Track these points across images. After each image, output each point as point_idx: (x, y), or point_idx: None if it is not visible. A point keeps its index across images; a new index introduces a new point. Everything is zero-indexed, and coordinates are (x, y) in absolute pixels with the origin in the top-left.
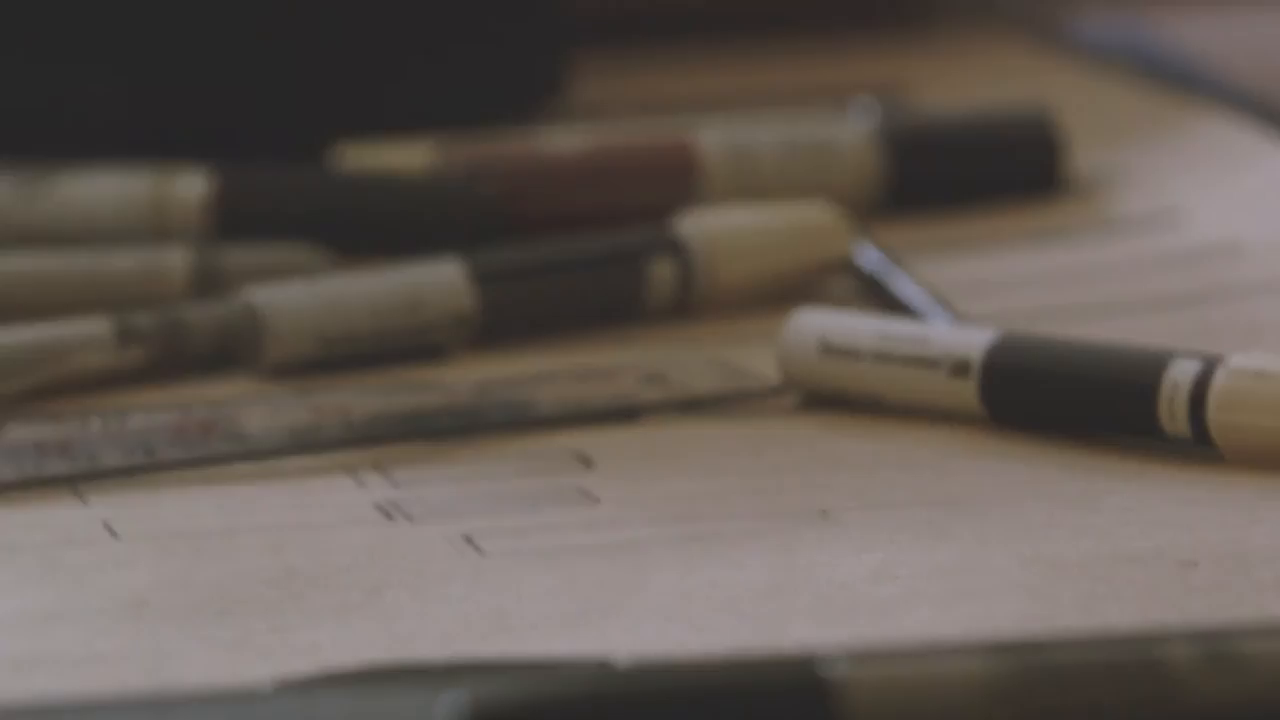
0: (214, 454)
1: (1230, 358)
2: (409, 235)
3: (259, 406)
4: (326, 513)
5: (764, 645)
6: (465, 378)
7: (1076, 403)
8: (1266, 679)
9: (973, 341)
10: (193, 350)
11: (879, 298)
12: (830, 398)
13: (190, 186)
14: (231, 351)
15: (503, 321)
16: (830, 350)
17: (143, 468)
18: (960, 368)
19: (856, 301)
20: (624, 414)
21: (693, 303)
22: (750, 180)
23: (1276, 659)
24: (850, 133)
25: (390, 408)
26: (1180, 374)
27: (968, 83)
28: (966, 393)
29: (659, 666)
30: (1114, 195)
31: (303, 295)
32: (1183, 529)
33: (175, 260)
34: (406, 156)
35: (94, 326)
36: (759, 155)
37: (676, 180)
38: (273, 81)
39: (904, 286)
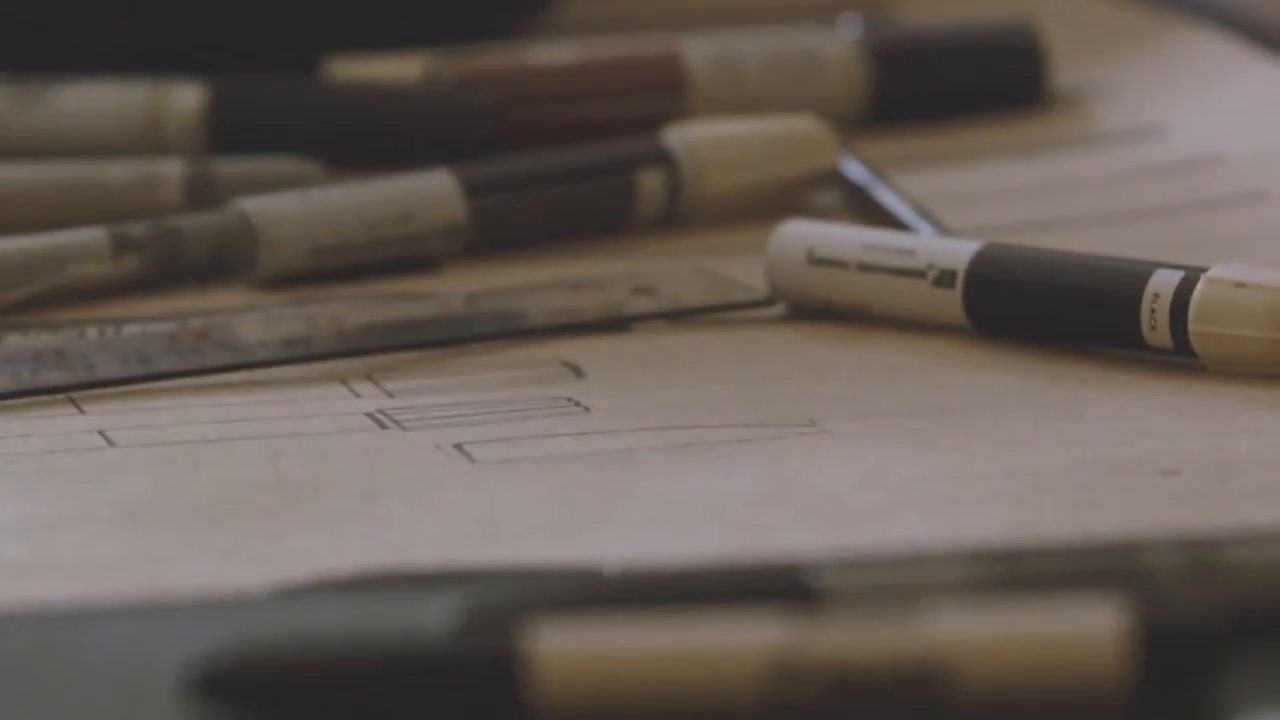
0: (209, 363)
1: (1211, 268)
2: (401, 147)
3: (253, 316)
4: (320, 421)
5: (751, 552)
6: (457, 288)
7: (1059, 313)
8: (1247, 586)
9: (957, 252)
10: (187, 261)
11: (865, 209)
12: (817, 308)
13: (185, 99)
14: (226, 262)
15: (493, 232)
16: (817, 261)
17: (138, 377)
18: (945, 278)
19: (842, 213)
20: (614, 324)
21: (681, 214)
22: (737, 92)
23: (1257, 567)
24: (836, 46)
25: (383, 318)
26: (1162, 285)
27: None
28: (951, 303)
29: (648, 573)
30: (1097, 108)
31: (296, 206)
32: (1165, 438)
33: (170, 172)
34: (398, 69)
35: (90, 237)
36: (746, 68)
37: (665, 92)
38: None
39: (889, 198)
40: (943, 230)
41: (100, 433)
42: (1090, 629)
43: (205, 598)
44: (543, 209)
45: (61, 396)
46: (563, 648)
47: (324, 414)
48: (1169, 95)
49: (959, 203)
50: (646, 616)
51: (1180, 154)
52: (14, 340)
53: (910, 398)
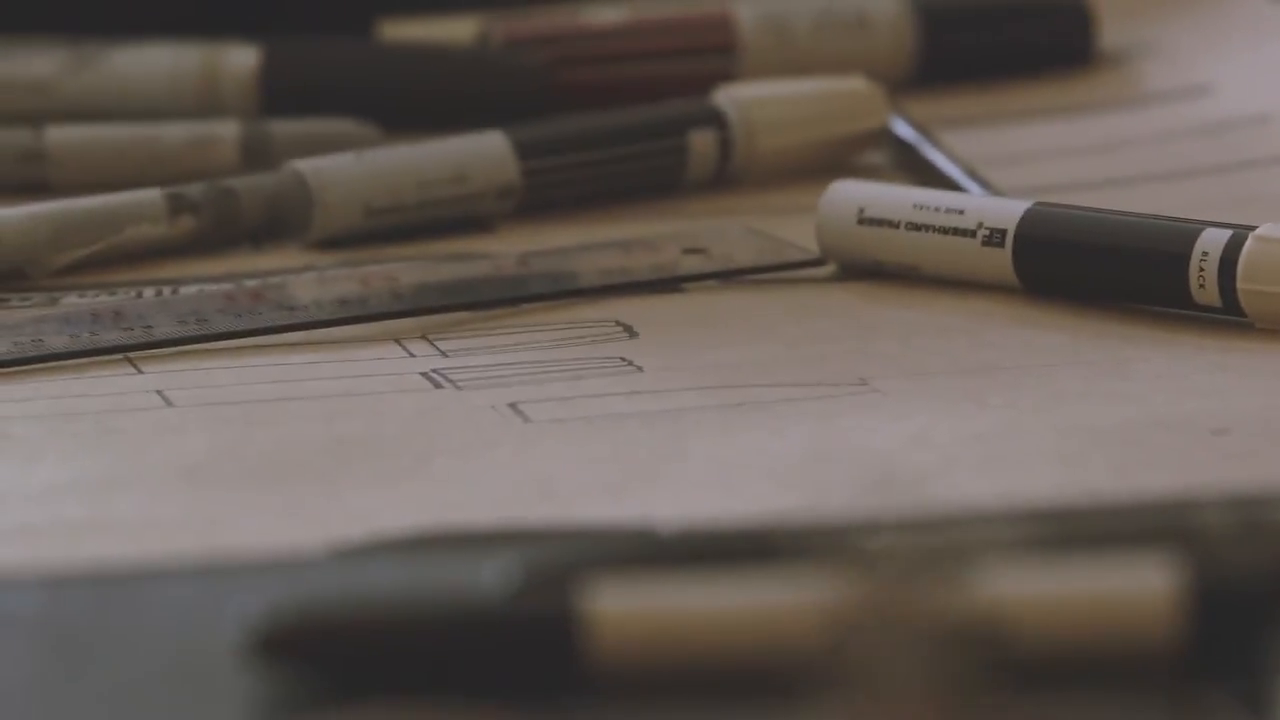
0: (265, 324)
1: (1259, 227)
2: (454, 108)
3: (308, 277)
4: (376, 381)
5: (804, 511)
6: (510, 248)
7: (1108, 272)
8: None
9: (1007, 211)
10: (243, 221)
11: (914, 169)
12: (867, 268)
13: (240, 60)
14: (281, 223)
15: (546, 193)
16: (867, 221)
17: (195, 337)
18: (994, 237)
19: (892, 173)
20: (666, 284)
21: (732, 174)
22: (787, 53)
23: None
24: (885, 6)
25: (437, 278)
26: (1210, 243)
27: None
28: (1001, 262)
29: (703, 532)
30: (1144, 68)
31: (350, 167)
32: (1214, 396)
33: (225, 133)
34: (451, 30)
35: (146, 198)
36: (796, 28)
37: (715, 53)
38: None
39: (939, 158)
40: (992, 190)
41: (158, 393)
42: (1142, 587)
43: (263, 557)
44: (595, 170)
45: (119, 357)
46: (619, 607)
47: (379, 374)
48: (1215, 54)
49: (1008, 162)
50: (702, 575)
51: (1227, 113)
52: (72, 301)
53: (960, 357)
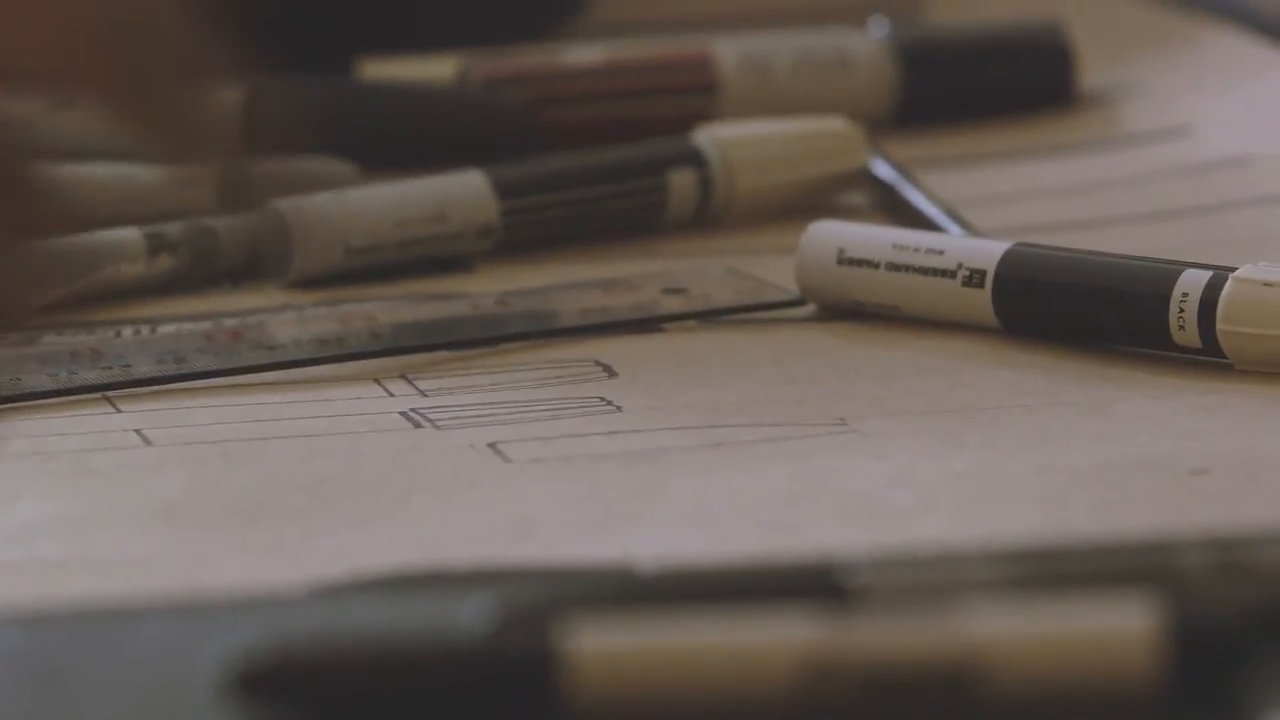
0: (244, 363)
1: (1239, 268)
2: (434, 147)
3: (287, 316)
4: (355, 421)
5: (783, 551)
6: (489, 288)
7: (1088, 313)
8: (1277, 586)
9: (987, 252)
10: (222, 261)
11: (894, 209)
12: (847, 308)
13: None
14: (260, 262)
15: (526, 232)
16: (847, 261)
17: (174, 376)
18: (974, 278)
19: (872, 213)
20: (645, 323)
21: (712, 214)
22: (767, 93)
23: None
24: (865, 46)
25: (416, 317)
26: (1190, 284)
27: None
28: (980, 303)
29: (681, 572)
30: (1124, 109)
31: (330, 206)
32: (1194, 437)
33: (205, 172)
34: (431, 70)
35: (125, 237)
36: (776, 68)
37: (695, 93)
38: None
39: (918, 198)
40: (972, 230)
41: (137, 431)
42: (1121, 628)
43: (241, 596)
44: (574, 209)
45: (98, 396)
46: (598, 646)
47: (358, 413)
48: (1196, 95)
49: (988, 203)
50: (680, 615)
51: (1207, 154)
52: (51, 340)
53: (940, 397)
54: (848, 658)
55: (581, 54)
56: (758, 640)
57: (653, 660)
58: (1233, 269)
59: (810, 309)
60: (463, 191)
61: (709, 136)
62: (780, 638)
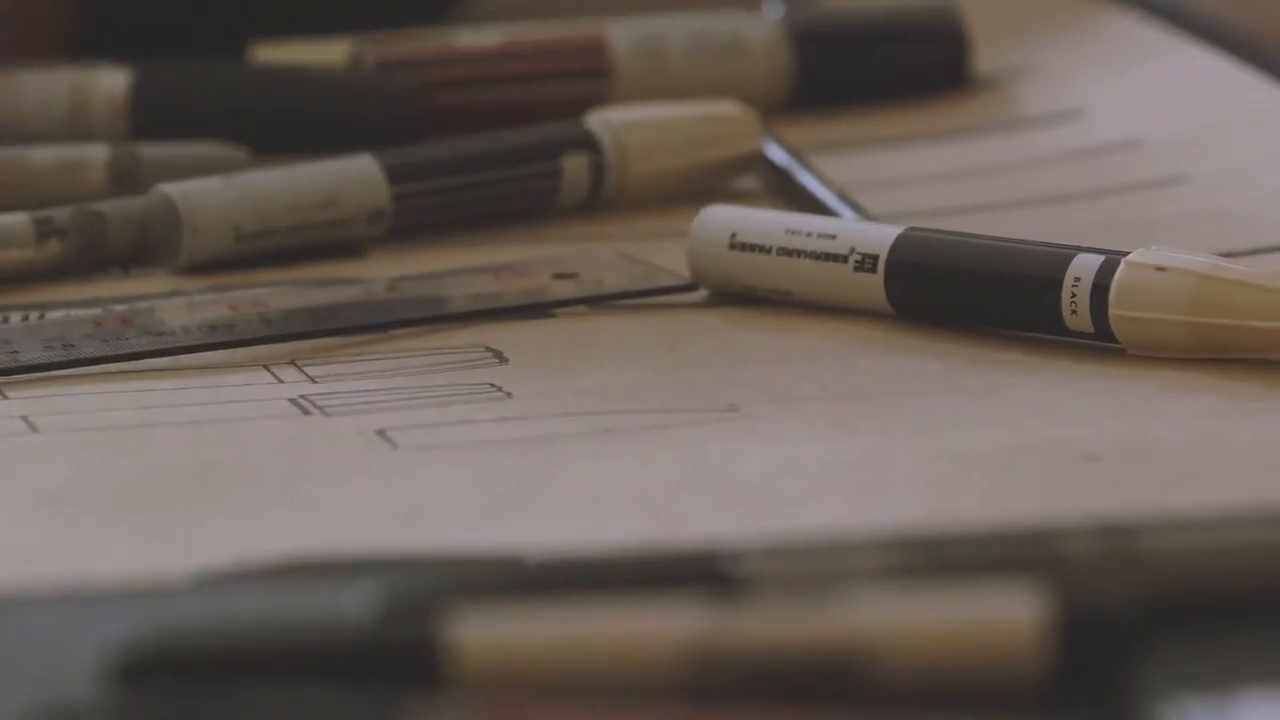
0: (132, 349)
1: (1132, 252)
2: (326, 132)
3: (177, 302)
4: (243, 407)
5: (672, 539)
6: (380, 273)
7: (980, 298)
8: (1166, 573)
9: (879, 237)
10: (111, 246)
11: (788, 193)
12: (739, 293)
13: (110, 83)
14: (150, 247)
15: (417, 217)
16: (739, 246)
17: (62, 363)
18: (867, 263)
19: (766, 197)
20: (536, 309)
21: (605, 198)
22: (661, 77)
23: (1176, 553)
24: (760, 30)
25: (306, 303)
26: (1082, 269)
27: None
28: (873, 288)
29: (568, 560)
30: (1019, 92)
31: (220, 191)
32: (1085, 423)
33: (94, 156)
34: (323, 54)
35: (13, 222)
36: (670, 52)
37: (589, 76)
38: None
39: (812, 182)
40: (865, 215)
41: (23, 418)
42: (1009, 615)
43: (127, 584)
44: (466, 194)
45: None
46: (481, 635)
47: (246, 400)
48: (1089, 78)
49: (881, 187)
50: (566, 603)
51: (1101, 137)
52: None
53: (831, 382)
54: (733, 646)
55: (475, 38)
56: (643, 630)
57: (537, 650)
58: (1125, 253)
59: (702, 294)
60: (354, 177)
61: (602, 120)
62: (666, 627)
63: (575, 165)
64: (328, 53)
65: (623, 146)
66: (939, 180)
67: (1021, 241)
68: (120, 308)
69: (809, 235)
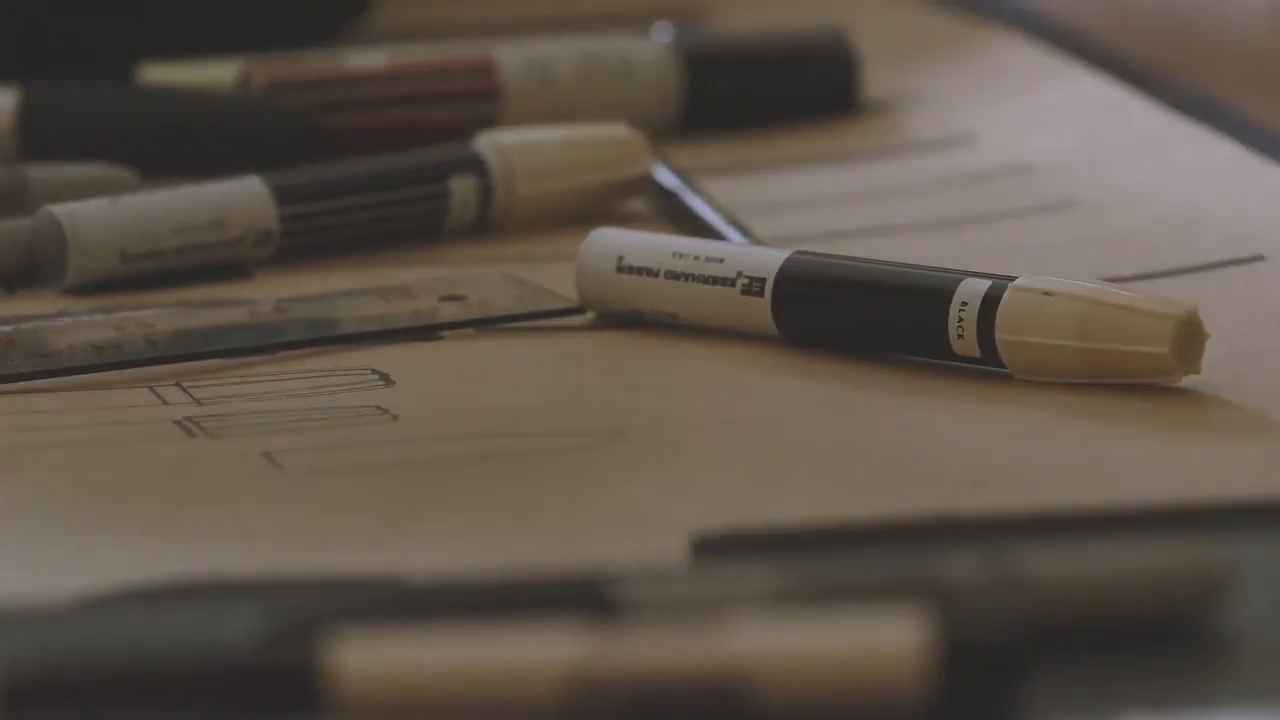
0: (17, 370)
1: (1019, 277)
2: (214, 153)
3: (63, 322)
4: (128, 429)
5: (557, 563)
6: (268, 295)
7: (867, 322)
8: (1048, 599)
9: (766, 260)
10: None
11: (676, 216)
12: (626, 316)
13: None
14: (36, 268)
15: (305, 239)
16: (626, 269)
17: None
18: (754, 286)
19: (654, 220)
20: (424, 331)
21: (493, 221)
22: (550, 99)
23: (1058, 579)
24: (649, 52)
25: (193, 324)
26: (969, 293)
27: (765, 6)
28: (760, 311)
29: (451, 583)
30: (908, 116)
31: (106, 212)
32: (971, 448)
33: None
34: (212, 75)
35: None
36: (559, 74)
37: (478, 99)
38: (79, 1)
39: (700, 206)
40: (752, 238)
41: None
42: (890, 641)
43: (8, 608)
44: (354, 215)
45: None
46: (362, 659)
47: (132, 422)
48: (979, 103)
49: (770, 211)
50: (449, 628)
51: (990, 162)
52: None
53: (718, 406)
54: (614, 672)
55: (364, 59)
56: (523, 655)
57: (418, 675)
58: (1012, 278)
59: (589, 317)
60: (242, 198)
61: (490, 142)
62: (546, 652)
63: (463, 187)
64: (217, 74)
65: (510, 168)
66: (828, 204)
67: (909, 265)
68: (5, 328)
69: (696, 258)
